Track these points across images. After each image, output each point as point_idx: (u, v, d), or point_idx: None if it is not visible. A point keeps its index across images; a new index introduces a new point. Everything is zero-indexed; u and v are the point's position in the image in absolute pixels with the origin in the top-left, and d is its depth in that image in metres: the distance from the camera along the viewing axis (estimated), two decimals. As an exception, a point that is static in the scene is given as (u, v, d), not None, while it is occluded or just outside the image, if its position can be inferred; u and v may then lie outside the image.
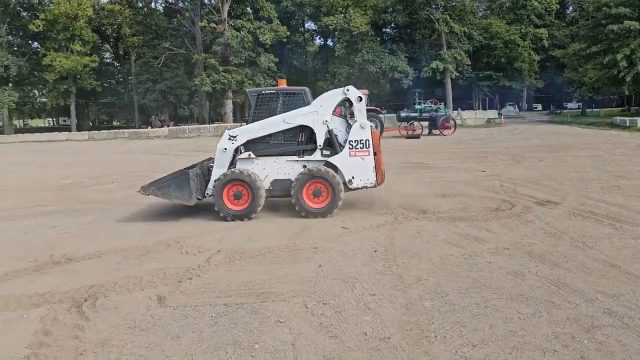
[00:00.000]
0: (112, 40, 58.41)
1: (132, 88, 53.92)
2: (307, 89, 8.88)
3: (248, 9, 47.61)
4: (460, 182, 11.23)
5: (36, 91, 55.74)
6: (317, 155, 8.35)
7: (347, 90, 8.42)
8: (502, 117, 41.72)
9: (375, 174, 8.30)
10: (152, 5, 52.60)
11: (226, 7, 44.30)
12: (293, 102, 8.48)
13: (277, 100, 8.52)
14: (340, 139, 8.46)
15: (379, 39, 49.29)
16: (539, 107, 69.47)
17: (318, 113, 8.32)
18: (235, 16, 46.34)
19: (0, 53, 45.81)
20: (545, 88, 63.75)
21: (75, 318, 4.38)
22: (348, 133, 8.35)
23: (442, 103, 33.15)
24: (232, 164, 8.35)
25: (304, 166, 8.31)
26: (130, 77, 55.92)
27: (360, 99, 8.39)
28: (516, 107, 57.76)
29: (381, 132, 26.37)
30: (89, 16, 46.58)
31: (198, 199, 8.26)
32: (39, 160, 22.51)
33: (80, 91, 49.02)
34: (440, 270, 5.29)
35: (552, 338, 3.71)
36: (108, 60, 62.10)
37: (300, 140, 8.53)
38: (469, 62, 46.93)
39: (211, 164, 8.71)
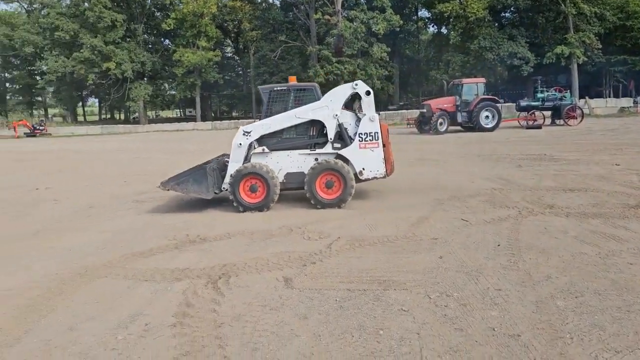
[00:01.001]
0: (233, 35, 61.81)
1: (251, 80, 56.64)
2: (317, 85, 9.14)
3: (361, -1, 47.70)
4: (591, 176, 10.38)
5: (166, 85, 60.91)
6: (328, 148, 8.67)
7: (356, 85, 8.68)
8: (639, 105, 37.62)
9: (384, 165, 8.60)
10: (270, 0, 54.69)
11: (340, -1, 44.77)
12: (304, 97, 8.75)
13: (288, 97, 8.79)
14: (350, 132, 8.66)
15: (496, 24, 46.85)
16: (685, 94, 61.58)
17: (328, 108, 8.60)
18: (349, 7, 46.66)
19: (138, 50, 50.64)
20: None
21: (212, 293, 4.76)
22: (357, 126, 8.61)
23: (567, 91, 30.69)
24: (247, 158, 8.63)
25: (316, 159, 8.62)
26: (248, 70, 58.81)
27: (369, 93, 8.65)
28: (656, 94, 51.77)
29: (498, 122, 25.17)
30: (213, 13, 49.65)
31: (215, 192, 8.67)
32: (170, 148, 24.58)
33: (204, 84, 52.68)
34: (573, 269, 4.96)
35: None
36: (229, 55, 65.88)
37: (311, 134, 8.83)
38: (600, 46, 42.87)
39: (226, 159, 9.00)
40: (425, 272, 5.05)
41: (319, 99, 8.70)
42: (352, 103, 9.15)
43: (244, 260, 5.70)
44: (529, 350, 3.42)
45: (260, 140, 8.77)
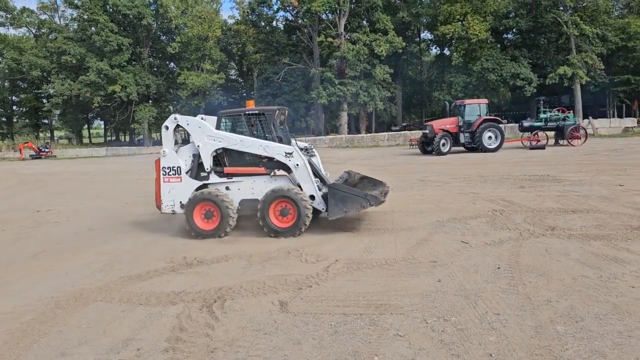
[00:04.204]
0: (237, 58, 62.52)
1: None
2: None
3: (364, 22, 48.25)
4: (593, 197, 10.29)
5: (171, 107, 61.33)
6: None
7: None
8: (643, 125, 37.50)
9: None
10: (274, 23, 55.39)
11: (343, 22, 45.36)
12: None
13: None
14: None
15: (499, 45, 47.23)
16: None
17: None
18: (352, 30, 47.18)
19: (143, 74, 51.28)
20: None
21: (207, 317, 4.70)
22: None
23: (571, 111, 30.69)
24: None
25: None
26: (252, 92, 59.29)
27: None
28: (660, 114, 51.70)
29: (501, 142, 25.15)
30: (217, 37, 50.35)
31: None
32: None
33: (208, 106, 53.01)
34: (574, 293, 4.87)
35: None
36: (233, 77, 66.53)
37: None
38: (602, 66, 43.02)
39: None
40: (423, 295, 4.97)
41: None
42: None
43: (240, 283, 5.64)
44: (526, 378, 3.34)
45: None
